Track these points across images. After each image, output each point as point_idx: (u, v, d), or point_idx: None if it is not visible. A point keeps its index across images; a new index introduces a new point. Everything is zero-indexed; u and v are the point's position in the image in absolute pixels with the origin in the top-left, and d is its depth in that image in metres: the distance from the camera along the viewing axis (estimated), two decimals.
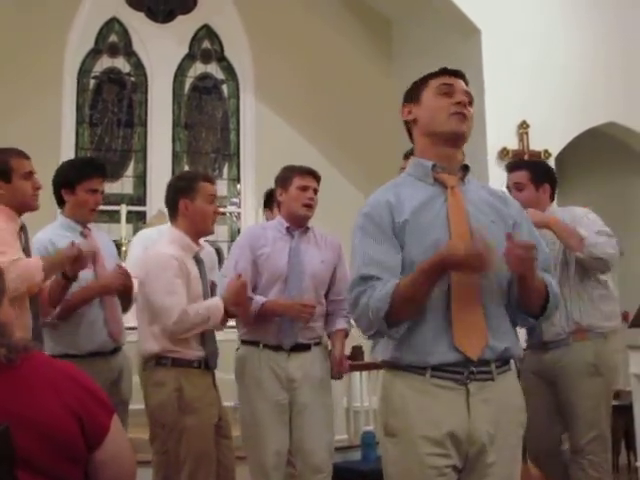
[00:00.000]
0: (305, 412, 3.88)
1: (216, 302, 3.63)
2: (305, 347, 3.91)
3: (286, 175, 4.04)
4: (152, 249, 3.83)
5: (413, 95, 2.58)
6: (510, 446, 2.41)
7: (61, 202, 3.99)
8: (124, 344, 4.05)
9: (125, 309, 4.08)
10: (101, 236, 4.19)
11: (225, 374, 4.00)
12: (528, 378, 4.01)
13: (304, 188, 3.97)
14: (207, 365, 3.71)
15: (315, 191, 4.02)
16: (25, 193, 3.51)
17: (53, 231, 3.94)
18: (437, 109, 2.49)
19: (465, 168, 2.53)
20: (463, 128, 2.49)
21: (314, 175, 4.05)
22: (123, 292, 3.93)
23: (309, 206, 3.98)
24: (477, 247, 2.21)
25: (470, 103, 2.53)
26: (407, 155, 4.10)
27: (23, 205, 3.53)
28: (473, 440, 2.32)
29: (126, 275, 3.89)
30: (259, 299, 3.84)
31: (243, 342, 3.98)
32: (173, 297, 3.53)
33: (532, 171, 4.09)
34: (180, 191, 3.75)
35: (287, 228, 3.99)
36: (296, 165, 4.09)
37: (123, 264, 4.09)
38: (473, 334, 2.33)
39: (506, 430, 2.39)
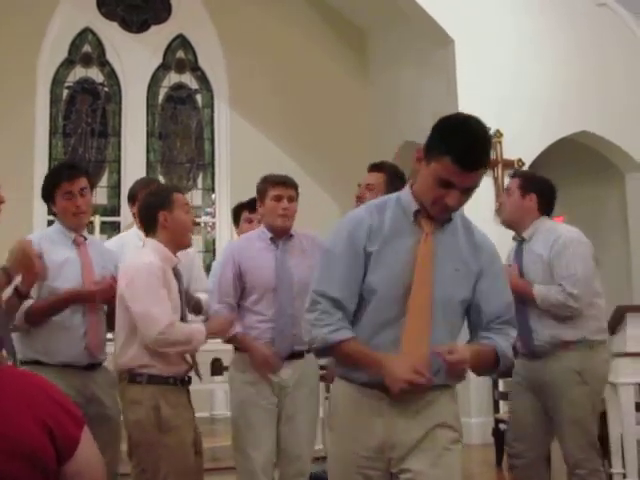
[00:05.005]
0: (295, 418, 3.91)
1: (201, 328, 3.61)
2: (299, 354, 3.93)
3: (262, 187, 4.04)
4: (134, 258, 3.77)
5: (432, 147, 2.50)
6: (437, 455, 2.51)
7: (55, 214, 3.93)
8: (103, 360, 3.89)
9: (110, 327, 3.87)
10: (96, 246, 4.04)
11: (200, 384, 3.98)
12: (515, 384, 4.12)
13: (278, 198, 3.95)
14: (182, 382, 3.67)
15: (290, 199, 3.99)
16: None
17: (44, 234, 3.87)
18: (428, 191, 2.50)
19: (447, 219, 2.58)
20: (440, 217, 2.55)
21: (287, 183, 4.02)
22: (109, 310, 3.80)
23: (285, 216, 3.97)
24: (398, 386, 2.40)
25: (472, 189, 2.50)
26: (372, 168, 4.12)
27: None
28: (392, 445, 2.50)
29: (110, 288, 3.71)
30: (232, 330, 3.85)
31: (237, 349, 3.99)
32: (159, 306, 3.48)
33: (523, 179, 4.23)
34: (157, 205, 3.70)
35: (271, 238, 3.99)
36: (270, 175, 4.08)
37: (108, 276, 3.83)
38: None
39: (432, 441, 2.52)
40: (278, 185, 3.99)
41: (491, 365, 2.61)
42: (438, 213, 2.52)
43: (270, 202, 3.96)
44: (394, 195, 2.65)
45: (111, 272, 3.85)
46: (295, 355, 3.91)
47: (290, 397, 3.90)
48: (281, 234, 4.00)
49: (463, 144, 2.41)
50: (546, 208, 4.19)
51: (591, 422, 3.99)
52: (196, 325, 3.66)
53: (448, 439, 2.54)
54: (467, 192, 2.48)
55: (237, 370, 3.97)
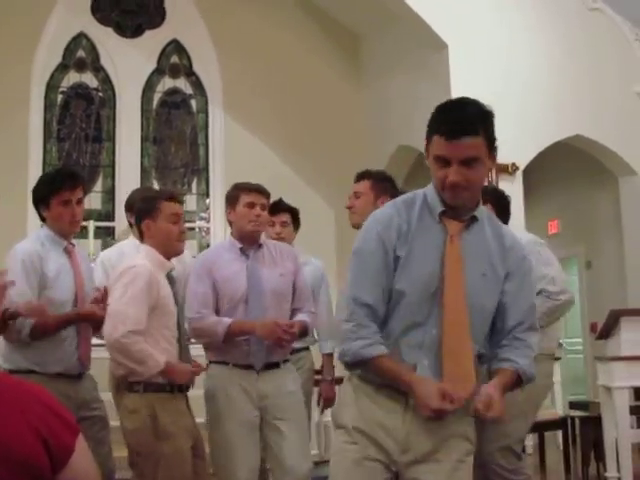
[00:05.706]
0: (281, 428, 3.82)
1: (160, 362, 3.53)
2: (275, 365, 3.89)
3: (233, 194, 4.00)
4: (126, 262, 3.79)
5: (428, 133, 2.45)
6: (452, 468, 2.45)
7: (43, 219, 3.90)
8: (89, 369, 3.95)
9: (94, 333, 3.93)
10: (81, 254, 4.06)
11: (194, 390, 3.96)
12: None
13: (251, 205, 3.90)
14: (179, 388, 3.65)
15: (263, 207, 3.96)
16: None
17: (40, 243, 3.80)
18: (435, 178, 2.44)
19: (473, 219, 2.50)
20: (455, 201, 2.44)
21: (261, 192, 3.99)
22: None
23: (257, 223, 3.93)
24: (439, 406, 2.30)
25: (470, 162, 2.38)
26: (356, 178, 4.13)
27: None
28: (406, 448, 2.43)
29: (103, 301, 3.72)
30: (226, 321, 3.81)
31: (211, 362, 3.95)
32: (132, 308, 3.48)
33: None
34: (142, 212, 3.74)
35: (240, 249, 3.97)
36: (243, 182, 4.05)
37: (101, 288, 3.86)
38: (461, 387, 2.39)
39: (447, 453, 2.45)
40: (252, 192, 3.95)
41: (515, 387, 2.54)
42: (451, 198, 2.41)
43: (242, 209, 3.92)
44: (421, 191, 2.56)
45: (93, 281, 3.92)
46: (271, 366, 3.87)
47: (271, 407, 3.83)
48: (251, 243, 3.95)
49: (442, 114, 2.42)
50: (501, 216, 4.24)
51: (512, 427, 3.95)
52: (160, 356, 3.56)
53: (463, 451, 2.49)
54: (467, 165, 2.37)
55: (212, 383, 3.89)
